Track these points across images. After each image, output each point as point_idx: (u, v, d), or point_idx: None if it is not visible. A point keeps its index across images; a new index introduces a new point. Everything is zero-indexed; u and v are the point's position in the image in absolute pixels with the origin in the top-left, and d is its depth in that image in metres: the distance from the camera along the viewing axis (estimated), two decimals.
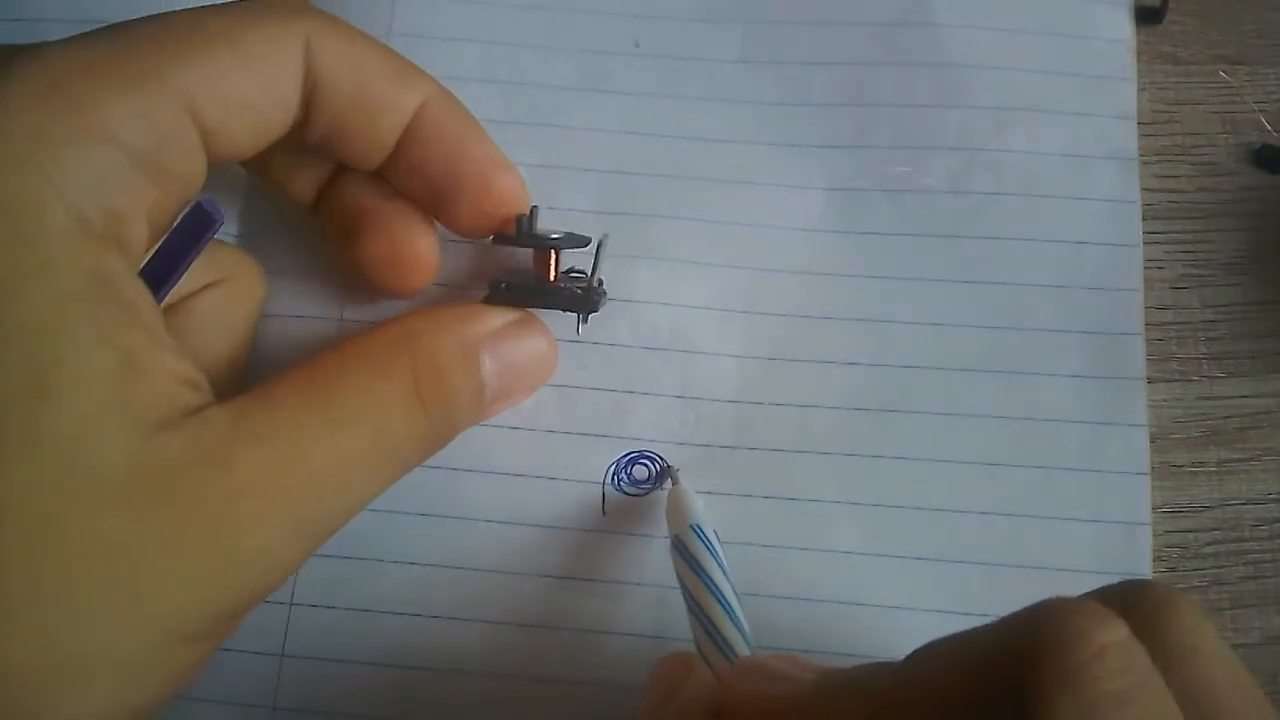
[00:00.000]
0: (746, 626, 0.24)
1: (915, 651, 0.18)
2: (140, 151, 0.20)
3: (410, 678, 0.27)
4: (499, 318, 0.26)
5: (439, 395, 0.24)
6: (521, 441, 0.28)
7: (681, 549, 0.25)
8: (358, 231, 0.26)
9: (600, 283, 0.28)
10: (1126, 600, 0.16)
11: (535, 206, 0.27)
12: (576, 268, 0.28)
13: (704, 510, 0.26)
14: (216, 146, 0.22)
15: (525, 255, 0.28)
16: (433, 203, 0.26)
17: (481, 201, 0.26)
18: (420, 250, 0.27)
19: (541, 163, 0.30)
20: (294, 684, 0.27)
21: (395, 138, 0.25)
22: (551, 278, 0.27)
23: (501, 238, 0.27)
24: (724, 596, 0.24)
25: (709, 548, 0.25)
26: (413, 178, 0.26)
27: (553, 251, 0.27)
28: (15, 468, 0.18)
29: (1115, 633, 0.15)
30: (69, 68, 0.19)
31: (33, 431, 0.18)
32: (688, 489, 0.27)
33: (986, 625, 0.17)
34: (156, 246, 0.22)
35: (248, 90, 0.22)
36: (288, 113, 0.23)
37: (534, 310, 0.27)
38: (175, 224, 0.22)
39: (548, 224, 0.28)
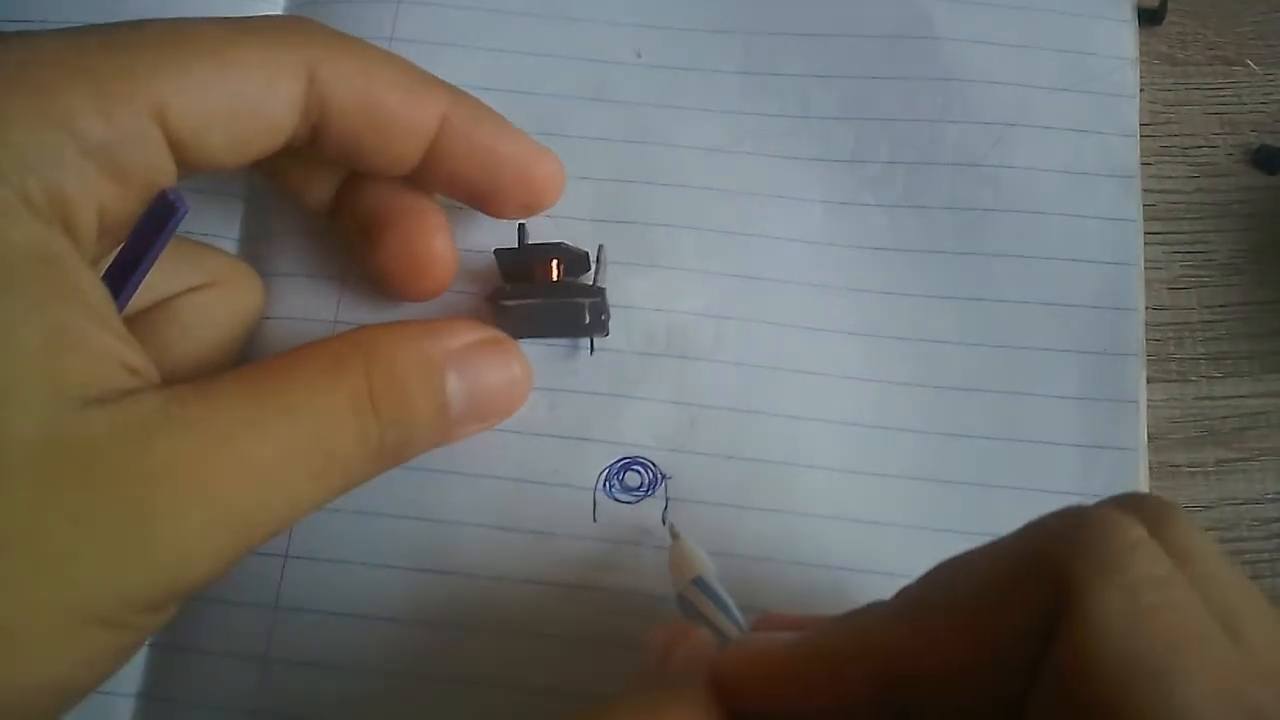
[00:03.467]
0: None
1: (921, 578, 0.19)
2: (95, 143, 0.20)
3: (393, 684, 0.26)
4: (470, 334, 0.25)
5: (393, 406, 0.22)
6: (512, 445, 0.28)
7: (688, 606, 0.23)
8: (375, 235, 0.27)
9: (603, 292, 0.28)
10: (1130, 507, 0.17)
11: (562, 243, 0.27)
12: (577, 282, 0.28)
13: (708, 561, 0.24)
14: (189, 156, 0.22)
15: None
16: (472, 200, 0.27)
17: (522, 194, 0.27)
18: (438, 250, 0.27)
19: None
20: (278, 688, 0.26)
21: (419, 152, 0.25)
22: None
23: (501, 251, 0.28)
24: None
25: (716, 599, 0.23)
26: (450, 185, 0.26)
27: (555, 260, 0.27)
28: None
29: (1141, 531, 0.16)
30: (39, 57, 0.19)
31: None
32: (689, 540, 0.25)
33: (996, 542, 0.18)
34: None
35: (227, 106, 0.22)
36: (276, 133, 0.23)
37: (539, 339, 0.28)
38: (142, 214, 0.22)
39: (545, 232, 0.28)
